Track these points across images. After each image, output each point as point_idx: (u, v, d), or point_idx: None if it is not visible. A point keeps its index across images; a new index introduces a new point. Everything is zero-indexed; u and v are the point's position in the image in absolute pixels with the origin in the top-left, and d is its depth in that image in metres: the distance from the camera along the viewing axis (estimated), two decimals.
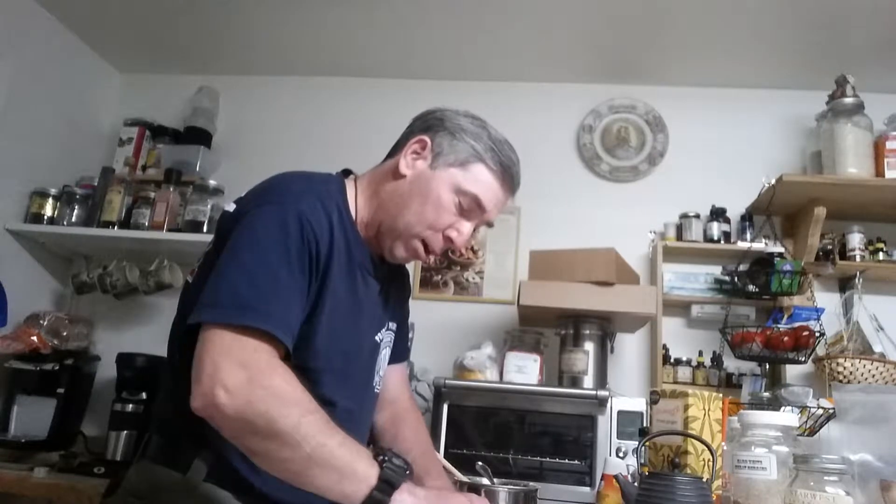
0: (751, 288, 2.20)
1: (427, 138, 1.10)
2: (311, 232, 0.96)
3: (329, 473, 0.85)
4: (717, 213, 2.40)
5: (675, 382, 2.27)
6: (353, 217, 1.09)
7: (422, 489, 0.93)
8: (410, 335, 2.09)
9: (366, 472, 0.87)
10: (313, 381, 1.01)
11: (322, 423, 0.87)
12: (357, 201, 1.11)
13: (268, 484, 0.91)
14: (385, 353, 1.22)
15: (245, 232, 0.96)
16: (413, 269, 2.53)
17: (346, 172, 1.18)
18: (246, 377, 0.84)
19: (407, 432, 1.27)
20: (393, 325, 1.24)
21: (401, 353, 1.34)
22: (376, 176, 1.15)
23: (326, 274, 1.00)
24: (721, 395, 1.40)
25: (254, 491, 0.96)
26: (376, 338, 1.16)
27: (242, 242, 0.95)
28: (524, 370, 1.98)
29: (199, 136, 2.68)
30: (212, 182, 2.44)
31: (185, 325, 0.92)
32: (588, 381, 1.99)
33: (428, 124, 1.12)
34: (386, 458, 0.89)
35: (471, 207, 1.10)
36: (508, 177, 1.12)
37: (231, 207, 1.04)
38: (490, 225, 1.16)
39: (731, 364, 2.27)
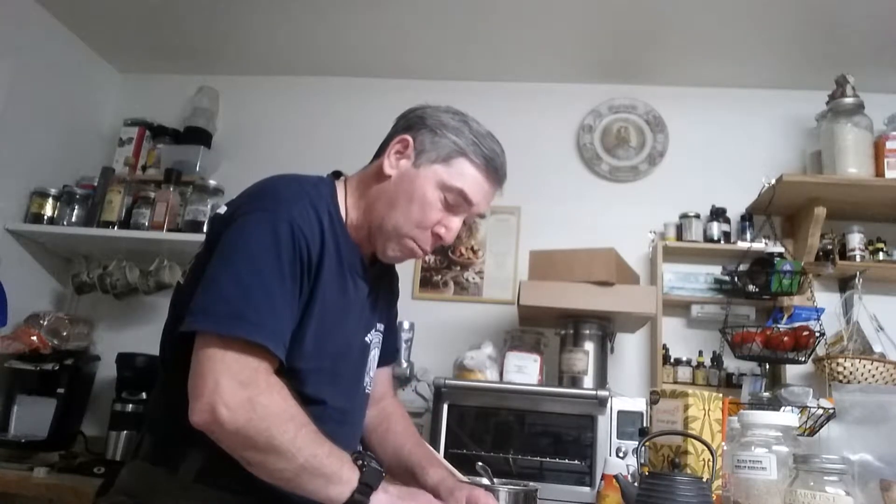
0: (751, 288, 2.20)
1: (409, 137, 1.10)
2: (302, 238, 0.97)
3: (318, 479, 0.91)
4: (717, 213, 2.40)
5: (675, 382, 2.27)
6: (344, 219, 1.10)
7: (394, 487, 0.99)
8: (410, 335, 2.10)
9: (349, 476, 0.93)
10: (302, 382, 1.02)
11: (313, 434, 0.93)
12: (347, 203, 1.12)
13: (257, 483, 0.92)
14: (374, 354, 1.22)
15: (237, 239, 0.96)
16: (413, 269, 2.53)
17: (337, 174, 1.18)
18: (246, 396, 0.88)
19: (397, 426, 1.30)
20: (381, 327, 1.24)
21: (389, 354, 1.35)
22: (364, 178, 1.15)
23: (317, 278, 1.01)
24: (721, 395, 1.40)
25: (243, 490, 0.96)
26: (366, 339, 1.17)
27: (235, 249, 0.95)
28: (524, 370, 1.98)
29: (199, 136, 2.68)
30: (212, 182, 2.44)
31: (178, 329, 0.93)
32: (588, 381, 1.99)
33: (409, 123, 1.13)
34: (365, 463, 0.95)
35: (457, 202, 1.10)
36: (493, 169, 1.12)
37: (223, 210, 1.05)
38: (481, 216, 1.18)
39: (731, 364, 2.27)
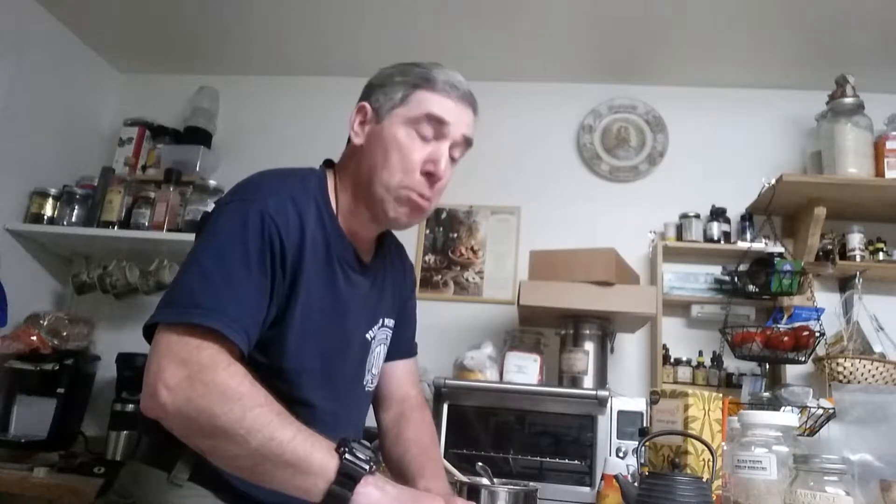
0: (751, 288, 2.19)
1: (364, 103, 1.09)
2: (274, 230, 0.94)
3: (282, 468, 0.82)
4: (717, 213, 2.40)
5: (675, 382, 2.27)
6: (335, 210, 1.07)
7: (393, 485, 0.88)
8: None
9: (322, 465, 0.82)
10: (290, 383, 1.00)
11: (272, 416, 0.84)
12: (336, 192, 1.09)
13: (247, 484, 0.90)
14: (379, 351, 1.19)
15: (208, 230, 0.95)
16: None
17: (330, 163, 1.16)
18: (186, 374, 0.83)
19: (409, 432, 1.24)
20: (389, 322, 1.21)
21: (405, 348, 1.31)
22: (343, 161, 1.13)
23: (298, 273, 0.98)
24: (721, 395, 1.40)
25: (234, 491, 0.96)
26: (367, 335, 1.14)
27: (203, 241, 0.94)
28: (524, 370, 1.98)
29: (199, 136, 2.68)
30: (212, 182, 2.44)
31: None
32: (588, 381, 1.99)
33: (363, 94, 1.12)
34: (346, 450, 0.84)
35: (433, 129, 1.04)
36: (453, 88, 1.06)
37: (211, 207, 1.04)
38: (469, 142, 1.09)
39: (731, 364, 2.27)
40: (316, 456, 0.83)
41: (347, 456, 0.84)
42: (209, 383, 0.83)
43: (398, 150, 1.03)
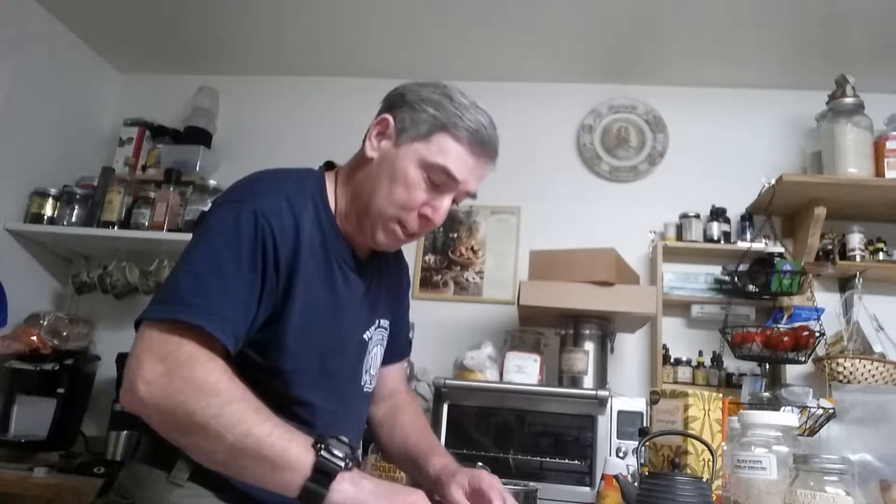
0: (751, 288, 2.20)
1: (389, 116, 1.06)
2: (267, 230, 0.94)
3: (259, 464, 0.82)
4: (717, 213, 2.40)
5: (675, 382, 2.27)
6: (333, 211, 1.07)
7: (370, 479, 0.87)
8: (410, 335, 2.09)
9: (298, 460, 0.82)
10: (288, 383, 1.00)
11: (249, 411, 0.84)
12: (336, 194, 1.09)
13: (247, 483, 0.89)
14: (376, 352, 1.19)
15: (201, 230, 0.96)
16: (413, 268, 2.53)
17: (330, 165, 1.16)
18: (164, 370, 0.83)
19: (404, 419, 1.26)
20: (385, 323, 1.21)
21: (398, 351, 1.32)
22: (351, 165, 1.12)
23: (293, 274, 0.98)
24: (721, 395, 1.40)
25: (234, 490, 0.96)
26: (364, 336, 1.14)
27: (196, 240, 0.95)
28: (524, 370, 1.98)
29: (199, 136, 2.68)
30: (212, 182, 2.45)
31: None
32: (588, 381, 2.00)
33: (391, 102, 1.09)
34: (323, 446, 0.83)
35: (442, 181, 1.04)
36: (478, 141, 1.04)
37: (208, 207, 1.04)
38: (472, 195, 1.10)
39: (731, 364, 2.28)
40: (292, 451, 0.83)
41: (323, 453, 0.83)
42: (187, 378, 0.83)
43: (404, 186, 1.03)
